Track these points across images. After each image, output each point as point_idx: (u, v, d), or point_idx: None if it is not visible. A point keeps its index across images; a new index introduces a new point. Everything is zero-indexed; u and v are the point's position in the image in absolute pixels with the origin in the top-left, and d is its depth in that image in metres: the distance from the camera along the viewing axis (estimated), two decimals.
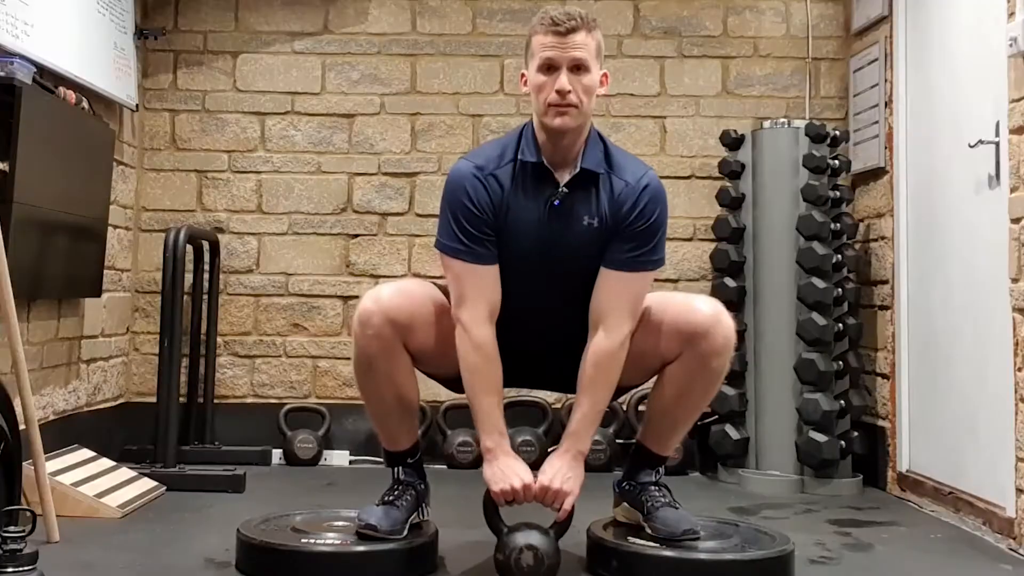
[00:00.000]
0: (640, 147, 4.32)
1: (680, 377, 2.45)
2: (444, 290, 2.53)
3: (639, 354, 2.47)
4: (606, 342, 2.41)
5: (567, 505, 2.42)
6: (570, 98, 2.35)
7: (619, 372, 2.44)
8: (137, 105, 4.11)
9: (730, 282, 3.96)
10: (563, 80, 2.35)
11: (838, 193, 3.90)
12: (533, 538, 2.36)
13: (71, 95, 3.40)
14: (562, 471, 2.43)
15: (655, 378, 2.55)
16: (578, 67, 2.36)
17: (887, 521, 3.31)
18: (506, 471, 2.40)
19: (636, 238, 2.43)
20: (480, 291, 2.41)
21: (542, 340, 2.53)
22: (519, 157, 2.43)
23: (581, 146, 2.44)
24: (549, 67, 2.37)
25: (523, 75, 2.46)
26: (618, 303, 2.42)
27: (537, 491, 2.40)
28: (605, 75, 2.45)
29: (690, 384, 2.46)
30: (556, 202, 2.43)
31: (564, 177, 2.44)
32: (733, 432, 3.88)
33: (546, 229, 2.43)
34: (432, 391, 2.68)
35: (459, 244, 2.41)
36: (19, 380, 2.67)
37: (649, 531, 2.52)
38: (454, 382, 2.59)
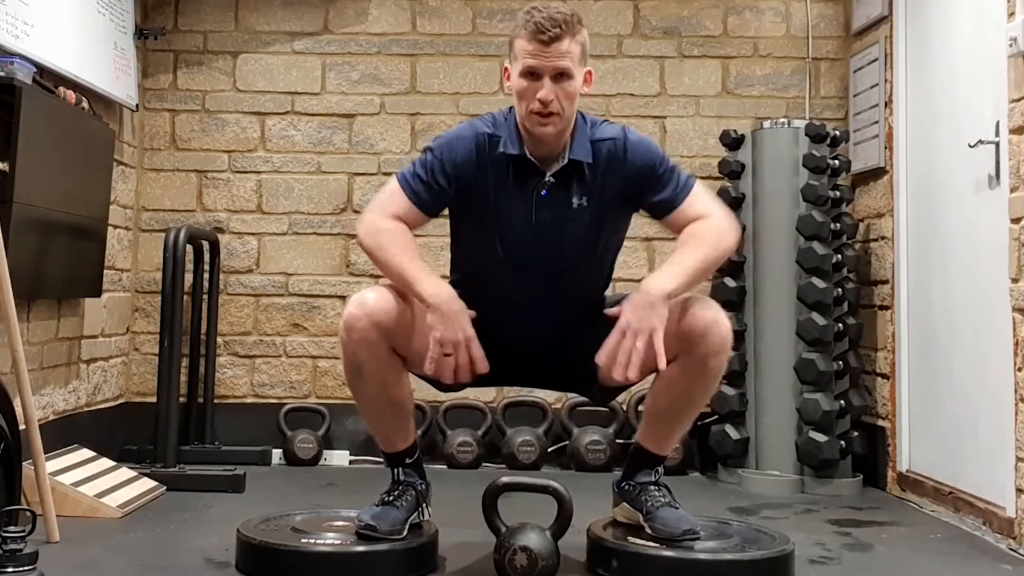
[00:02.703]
0: None
1: (678, 378, 2.44)
2: None
3: None
4: (698, 222, 2.41)
5: (658, 343, 2.23)
6: (552, 107, 2.35)
7: (718, 240, 2.40)
8: (137, 105, 4.11)
9: (730, 282, 3.96)
10: (545, 91, 2.34)
11: (838, 193, 3.90)
12: (529, 539, 2.37)
13: (71, 95, 3.40)
14: (640, 308, 2.25)
15: (652, 378, 2.55)
16: (561, 74, 2.36)
17: (887, 521, 3.32)
18: (453, 321, 2.28)
19: (663, 180, 2.45)
20: (399, 212, 2.42)
21: (540, 334, 2.52)
22: (501, 149, 2.43)
23: (567, 139, 2.44)
24: (532, 74, 2.36)
25: (506, 70, 2.45)
26: (696, 214, 2.43)
27: (612, 339, 2.24)
28: (589, 73, 2.45)
29: (688, 384, 2.45)
30: (543, 192, 2.43)
31: (551, 167, 2.44)
32: (733, 432, 3.88)
33: (534, 218, 2.44)
34: (433, 391, 2.68)
35: (412, 179, 2.45)
36: (19, 380, 2.67)
37: (649, 531, 2.51)
38: (445, 384, 2.59)
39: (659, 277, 2.34)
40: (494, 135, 2.46)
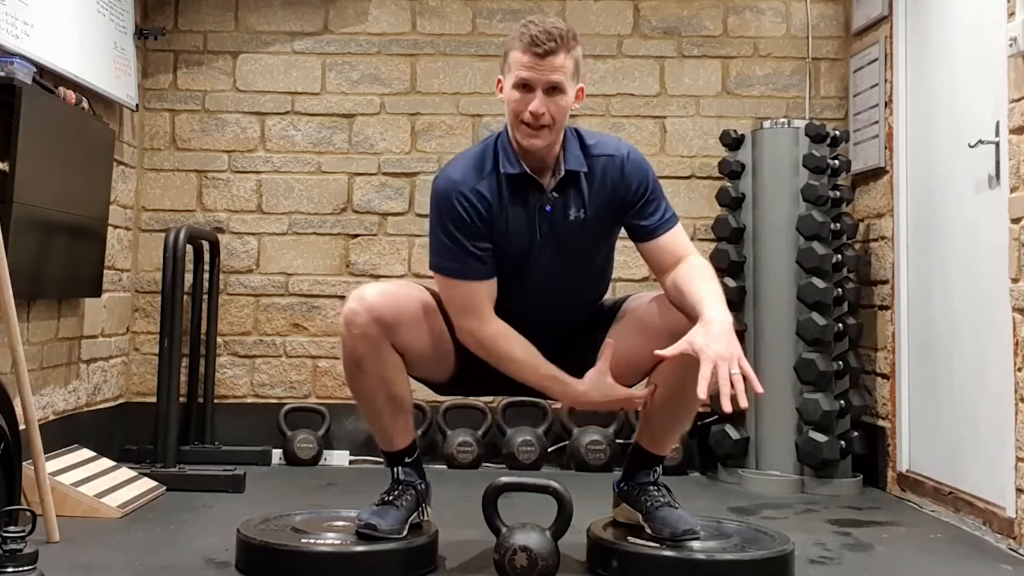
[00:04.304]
0: (640, 147, 4.19)
1: (673, 376, 2.43)
2: (432, 290, 2.54)
3: (632, 355, 2.47)
4: (688, 259, 2.43)
5: (746, 365, 2.17)
6: (543, 120, 2.35)
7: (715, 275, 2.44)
8: (137, 105, 4.11)
9: (730, 282, 3.96)
10: (537, 103, 2.34)
11: (838, 193, 3.90)
12: (529, 539, 2.37)
13: (71, 95, 3.40)
14: (719, 338, 2.19)
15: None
16: (554, 88, 2.35)
17: (887, 521, 3.32)
18: (605, 402, 2.43)
19: (649, 205, 2.47)
20: (485, 301, 2.42)
21: (541, 344, 2.52)
22: (501, 170, 2.42)
23: (559, 151, 2.44)
24: (524, 86, 2.36)
25: (499, 81, 2.45)
26: (679, 250, 2.46)
27: (706, 373, 2.15)
28: (581, 90, 2.45)
29: (683, 382, 2.44)
30: (548, 208, 2.44)
31: (549, 182, 2.44)
32: (733, 432, 3.88)
33: (538, 234, 2.44)
34: (433, 391, 2.68)
35: (459, 263, 2.39)
36: (19, 380, 2.67)
37: (649, 531, 2.52)
38: (442, 386, 2.60)
39: (714, 308, 2.27)
40: (476, 186, 2.40)
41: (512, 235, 2.43)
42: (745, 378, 2.16)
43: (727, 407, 2.14)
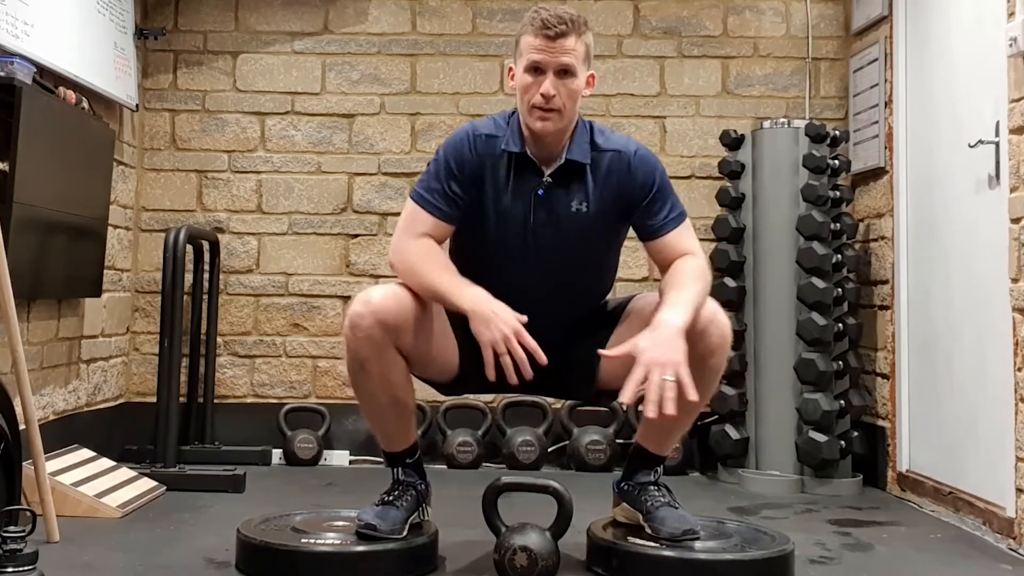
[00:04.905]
0: None
1: None
2: None
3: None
4: (681, 259, 2.43)
5: (684, 374, 2.17)
6: (554, 102, 2.37)
7: (707, 277, 2.42)
8: (137, 105, 4.11)
9: (730, 282, 3.96)
10: (548, 85, 2.36)
11: (838, 193, 3.90)
12: (529, 539, 2.37)
13: (71, 95, 3.40)
14: (661, 343, 2.20)
15: None
16: (565, 71, 2.38)
17: (887, 521, 3.32)
18: (494, 320, 2.27)
19: (655, 203, 2.48)
20: (429, 234, 2.44)
21: (538, 336, 2.51)
22: (502, 147, 2.46)
23: (566, 141, 2.46)
24: (536, 69, 2.38)
25: (511, 69, 2.48)
26: (680, 249, 2.46)
27: (637, 376, 2.17)
28: (591, 76, 2.47)
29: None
30: (540, 192, 2.45)
31: (549, 168, 2.46)
32: (733, 432, 3.88)
33: (532, 219, 2.45)
34: (433, 391, 2.68)
35: (430, 195, 2.45)
36: (19, 380, 2.67)
37: (649, 531, 2.51)
38: (448, 386, 2.59)
39: (671, 311, 2.29)
40: (492, 135, 2.48)
41: (507, 213, 2.45)
42: (680, 385, 2.17)
43: (651, 413, 2.16)
